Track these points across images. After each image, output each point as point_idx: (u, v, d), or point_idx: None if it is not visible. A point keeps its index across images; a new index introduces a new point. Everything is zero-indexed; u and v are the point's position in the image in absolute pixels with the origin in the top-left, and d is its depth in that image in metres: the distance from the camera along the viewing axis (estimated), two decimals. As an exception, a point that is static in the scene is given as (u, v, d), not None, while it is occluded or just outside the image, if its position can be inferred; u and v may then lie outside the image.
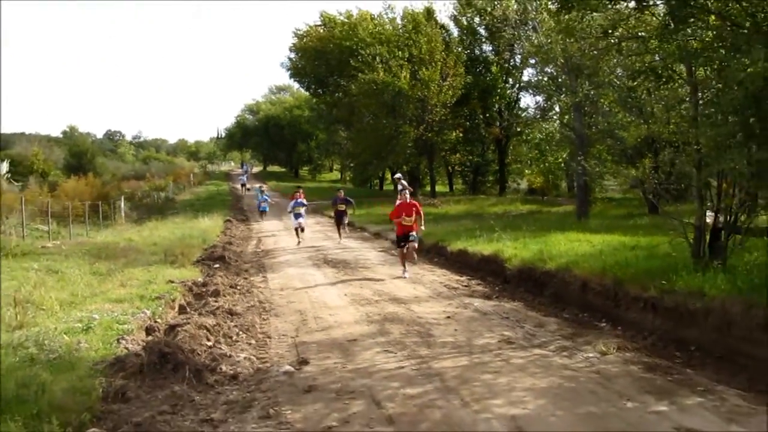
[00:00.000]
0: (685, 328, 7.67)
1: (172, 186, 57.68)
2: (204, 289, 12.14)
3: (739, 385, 6.13)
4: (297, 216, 21.72)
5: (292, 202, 22.18)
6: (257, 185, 39.35)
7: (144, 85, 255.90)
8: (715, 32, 9.07)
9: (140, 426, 5.34)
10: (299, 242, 21.09)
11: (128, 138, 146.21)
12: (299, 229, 21.56)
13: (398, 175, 28.32)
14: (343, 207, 22.41)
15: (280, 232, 26.16)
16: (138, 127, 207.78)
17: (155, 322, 9.27)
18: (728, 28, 8.75)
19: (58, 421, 5.25)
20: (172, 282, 12.30)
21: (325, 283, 13.37)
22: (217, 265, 15.65)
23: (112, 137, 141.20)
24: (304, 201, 22.74)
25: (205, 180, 71.33)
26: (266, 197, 32.75)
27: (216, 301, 10.83)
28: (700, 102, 9.55)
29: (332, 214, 25.03)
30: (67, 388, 5.81)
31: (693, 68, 9.61)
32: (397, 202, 17.79)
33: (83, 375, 6.28)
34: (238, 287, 12.86)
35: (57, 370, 6.36)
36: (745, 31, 8.28)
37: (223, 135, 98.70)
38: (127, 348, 7.69)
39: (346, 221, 22.98)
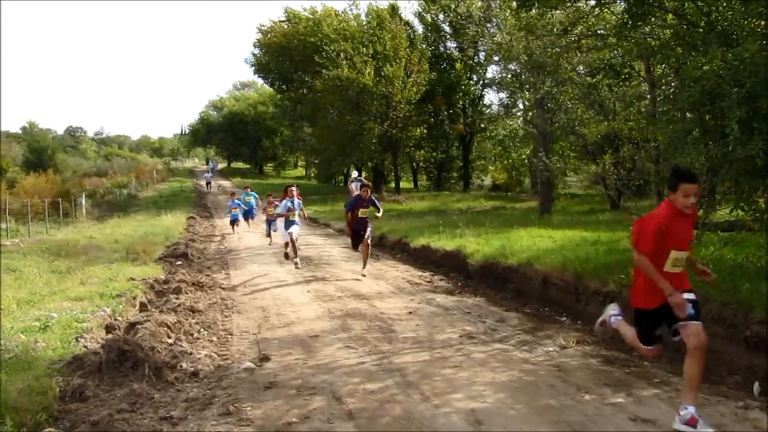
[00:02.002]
0: (642, 322, 7.77)
1: (134, 183, 57.10)
2: (166, 287, 12.01)
3: (694, 377, 6.25)
4: (290, 224, 14.61)
5: (284, 202, 14.73)
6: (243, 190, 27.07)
7: (106, 81, 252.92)
8: (672, 31, 9.22)
9: (97, 425, 5.26)
10: (297, 263, 14.59)
11: (90, 134, 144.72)
12: (292, 242, 14.59)
13: (355, 173, 27.33)
14: (365, 213, 13.85)
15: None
16: (100, 124, 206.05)
17: (115, 320, 9.14)
18: (684, 27, 8.91)
19: (13, 421, 5.16)
20: (134, 279, 12.15)
21: (287, 280, 13.32)
22: (179, 263, 15.51)
23: (73, 133, 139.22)
24: (301, 203, 15.29)
25: (169, 177, 70.60)
26: (237, 202, 24.87)
27: (177, 299, 10.72)
28: (658, 99, 9.71)
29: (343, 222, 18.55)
30: (22, 388, 5.70)
31: (651, 66, 9.78)
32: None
33: (40, 374, 6.16)
34: (201, 284, 12.75)
35: (12, 370, 6.23)
36: (701, 30, 8.43)
37: (187, 131, 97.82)
38: (85, 346, 7.57)
39: (369, 235, 13.80)
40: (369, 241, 13.77)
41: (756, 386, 5.74)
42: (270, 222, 20.19)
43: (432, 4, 43.44)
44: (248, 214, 25.23)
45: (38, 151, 69.57)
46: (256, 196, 26.38)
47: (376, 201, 14.17)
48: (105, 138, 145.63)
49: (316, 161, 50.42)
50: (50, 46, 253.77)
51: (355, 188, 23.80)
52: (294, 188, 14.97)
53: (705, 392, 5.71)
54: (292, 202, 14.50)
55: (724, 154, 7.34)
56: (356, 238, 13.88)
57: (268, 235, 20.55)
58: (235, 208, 24.34)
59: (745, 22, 8.04)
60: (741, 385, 5.91)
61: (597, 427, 5.02)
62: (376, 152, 40.55)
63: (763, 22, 8.05)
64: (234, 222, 24.52)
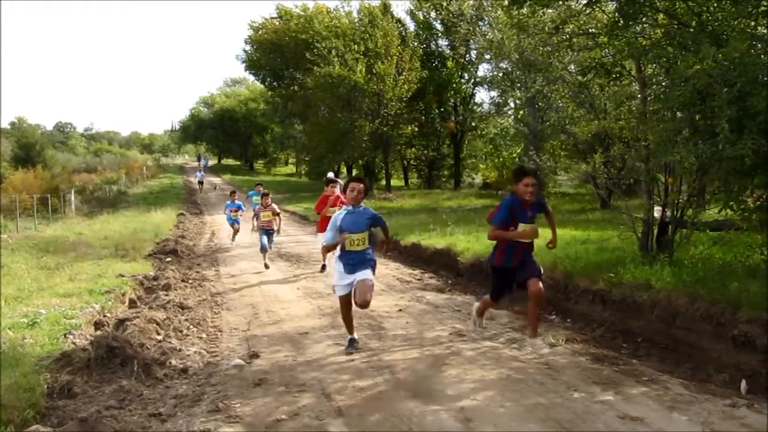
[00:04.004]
0: (632, 320, 7.82)
1: (124, 179, 56.81)
2: (155, 283, 11.99)
3: (682, 375, 6.28)
4: (356, 262, 7.27)
5: (337, 217, 7.33)
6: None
7: (96, 77, 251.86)
8: (663, 30, 9.25)
9: (86, 421, 5.23)
10: (353, 340, 7.60)
11: (79, 130, 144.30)
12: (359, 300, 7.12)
13: (330, 174, 25.28)
14: (530, 233, 7.25)
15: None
16: (90, 119, 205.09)
17: (104, 316, 9.13)
18: (676, 27, 8.94)
19: (-1, 418, 5.14)
20: (123, 276, 12.13)
21: (278, 277, 13.32)
22: (169, 259, 15.48)
23: (62, 129, 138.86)
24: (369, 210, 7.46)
25: (159, 173, 70.35)
26: (238, 203, 19.83)
27: (167, 295, 10.71)
28: (649, 98, 9.73)
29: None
30: (9, 384, 5.67)
31: (642, 65, 9.79)
32: None
33: (27, 371, 6.13)
34: (190, 281, 12.74)
35: (-1, 366, 6.22)
36: (692, 29, 8.45)
37: (178, 128, 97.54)
38: (74, 343, 7.56)
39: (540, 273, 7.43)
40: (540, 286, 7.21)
41: (743, 384, 5.77)
42: (267, 233, 15.03)
43: (424, 2, 43.41)
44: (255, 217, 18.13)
45: (27, 147, 68.73)
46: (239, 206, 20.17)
47: (546, 205, 7.80)
48: (95, 134, 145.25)
49: (307, 158, 50.31)
50: (39, 40, 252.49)
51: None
52: (336, 187, 11.23)
53: (693, 390, 5.74)
54: (356, 213, 7.21)
55: (714, 153, 7.36)
56: (505, 281, 7.58)
57: (265, 262, 14.75)
58: (235, 210, 19.51)
59: (736, 22, 8.07)
60: (728, 383, 5.94)
61: (586, 424, 5.03)
62: (366, 150, 40.50)
63: (753, 23, 8.09)
64: (234, 226, 19.45)
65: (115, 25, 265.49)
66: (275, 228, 15.18)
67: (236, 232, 19.38)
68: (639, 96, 10.16)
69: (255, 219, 16.28)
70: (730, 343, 6.30)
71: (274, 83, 51.70)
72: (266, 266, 14.49)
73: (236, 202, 19.90)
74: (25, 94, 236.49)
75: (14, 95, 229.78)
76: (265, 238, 14.76)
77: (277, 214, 15.42)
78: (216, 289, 12.02)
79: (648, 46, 9.15)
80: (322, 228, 12.48)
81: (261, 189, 19.65)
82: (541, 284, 7.22)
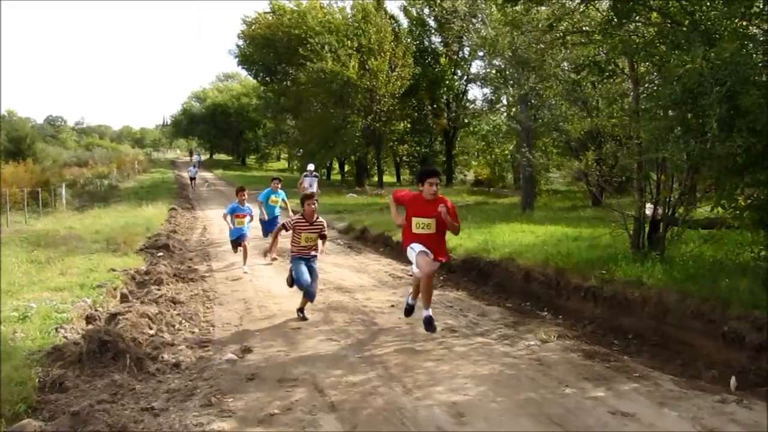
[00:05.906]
0: (623, 317, 7.86)
1: (115, 173, 56.56)
2: (147, 278, 11.94)
3: (672, 371, 6.34)
4: None
5: None
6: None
7: (88, 70, 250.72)
8: (656, 29, 9.29)
9: (78, 415, 5.22)
10: None
11: (70, 124, 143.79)
12: None
13: (311, 166, 22.76)
14: None
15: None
16: (81, 113, 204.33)
17: (96, 310, 9.09)
18: (668, 26, 8.98)
19: (-9, 411, 5.13)
20: (114, 270, 12.08)
21: (270, 272, 13.27)
22: (160, 254, 15.40)
23: (53, 122, 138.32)
24: None
25: (150, 167, 70.16)
26: (248, 208, 13.87)
27: (159, 290, 10.67)
28: (641, 96, 9.78)
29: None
30: (0, 378, 5.67)
31: (635, 63, 9.83)
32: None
33: (18, 365, 6.10)
34: (182, 276, 12.69)
35: (-9, 360, 6.19)
36: (684, 28, 8.49)
37: (169, 122, 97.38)
38: (65, 337, 7.53)
39: None
40: None
41: (733, 381, 5.82)
42: (301, 260, 9.20)
43: (417, -2, 43.47)
44: (270, 227, 14.80)
45: (17, 140, 68.43)
46: (285, 197, 16.06)
47: None
48: (86, 128, 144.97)
49: (299, 154, 50.11)
50: (30, 33, 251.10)
51: (308, 185, 19.97)
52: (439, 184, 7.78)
53: (683, 386, 5.79)
54: None
55: (704, 151, 7.42)
56: None
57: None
58: (242, 216, 13.69)
59: (728, 22, 8.11)
60: (718, 379, 5.98)
61: (577, 420, 5.07)
62: (359, 146, 40.51)
63: (744, 23, 8.13)
64: (239, 241, 13.74)
65: (107, 19, 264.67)
66: (317, 253, 9.44)
67: (245, 250, 13.56)
68: (631, 94, 10.20)
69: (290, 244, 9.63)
70: (720, 339, 6.35)
71: (267, 78, 51.62)
72: (302, 315, 9.06)
73: (246, 206, 13.93)
74: (16, 87, 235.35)
75: (4, 88, 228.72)
76: (311, 275, 9.18)
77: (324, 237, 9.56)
78: (208, 284, 11.99)
79: (641, 44, 9.19)
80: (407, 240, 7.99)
81: (279, 186, 15.79)
82: None
